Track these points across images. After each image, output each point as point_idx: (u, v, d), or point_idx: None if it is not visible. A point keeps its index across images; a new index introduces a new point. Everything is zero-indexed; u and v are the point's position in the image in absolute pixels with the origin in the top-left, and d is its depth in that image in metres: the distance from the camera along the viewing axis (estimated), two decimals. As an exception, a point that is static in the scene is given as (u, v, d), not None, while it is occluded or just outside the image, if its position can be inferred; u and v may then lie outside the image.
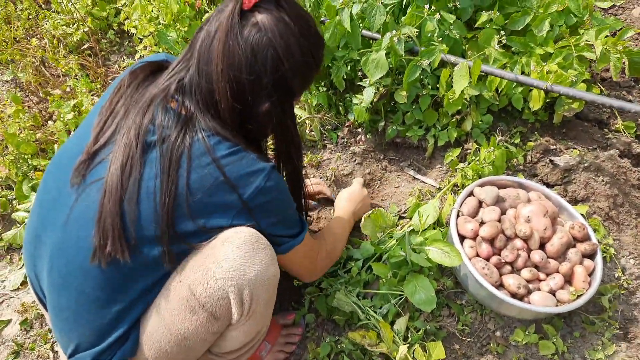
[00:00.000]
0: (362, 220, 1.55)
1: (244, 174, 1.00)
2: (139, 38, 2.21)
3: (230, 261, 0.98)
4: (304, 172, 1.30)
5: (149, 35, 2.14)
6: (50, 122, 1.96)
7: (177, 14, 2.02)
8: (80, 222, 0.99)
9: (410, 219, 1.63)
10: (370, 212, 1.57)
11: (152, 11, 2.13)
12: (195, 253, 1.02)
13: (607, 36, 1.67)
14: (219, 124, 1.02)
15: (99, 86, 2.06)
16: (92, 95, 1.96)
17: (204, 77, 1.01)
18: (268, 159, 1.08)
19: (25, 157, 1.83)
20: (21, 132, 1.86)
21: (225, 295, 0.99)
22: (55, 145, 1.85)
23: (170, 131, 0.98)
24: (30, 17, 2.28)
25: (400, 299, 1.44)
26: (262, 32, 0.98)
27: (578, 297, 1.34)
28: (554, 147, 1.74)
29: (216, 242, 1.00)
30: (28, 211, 1.76)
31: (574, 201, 1.66)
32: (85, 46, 2.22)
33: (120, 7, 2.29)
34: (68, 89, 2.01)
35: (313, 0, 1.64)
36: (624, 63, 1.65)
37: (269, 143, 1.25)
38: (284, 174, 1.24)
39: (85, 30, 2.20)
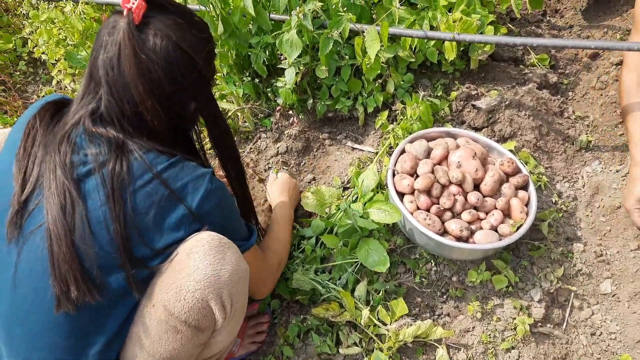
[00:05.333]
0: (301, 199, 1.58)
1: (187, 182, 1.01)
2: (52, 63, 2.15)
3: (201, 270, 0.97)
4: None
5: (60, 59, 2.09)
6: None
7: (84, 32, 1.97)
8: (32, 276, 0.95)
9: (354, 187, 1.67)
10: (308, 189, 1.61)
11: (59, 34, 2.07)
12: (161, 273, 1.01)
13: (504, -24, 1.73)
14: (152, 139, 1.03)
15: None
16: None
17: (126, 102, 1.00)
18: (206, 164, 1.09)
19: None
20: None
21: (206, 304, 0.99)
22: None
23: (106, 157, 0.97)
24: None
25: (357, 265, 1.48)
26: (165, 39, 0.99)
27: (518, 228, 1.41)
28: (475, 92, 1.81)
29: (181, 256, 1.00)
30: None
31: (503, 139, 1.73)
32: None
33: (26, 37, 2.22)
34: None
35: (216, -8, 1.63)
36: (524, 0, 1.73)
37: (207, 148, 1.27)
38: (227, 166, 1.26)
39: (-7, 65, 2.14)
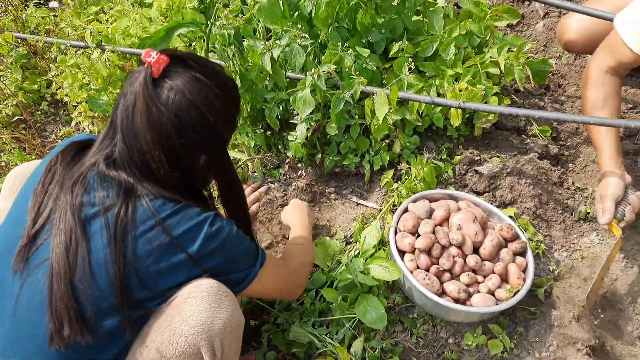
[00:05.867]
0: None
1: (188, 229, 1.05)
2: (73, 105, 2.25)
3: (196, 316, 1.00)
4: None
5: (82, 102, 2.18)
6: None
7: (107, 78, 2.08)
8: (30, 309, 0.98)
9: (357, 242, 1.70)
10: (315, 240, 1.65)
11: (83, 78, 2.18)
12: (158, 315, 1.03)
13: (510, 51, 1.83)
14: (160, 187, 1.07)
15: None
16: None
17: (135, 150, 1.05)
18: (210, 207, 1.14)
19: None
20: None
21: (197, 350, 1.00)
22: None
23: (113, 201, 1.02)
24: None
25: (355, 321, 1.49)
26: (179, 94, 1.04)
27: (515, 293, 1.44)
28: (478, 157, 1.87)
29: (179, 299, 1.03)
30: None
31: (503, 205, 1.78)
32: (16, 119, 2.24)
33: (51, 79, 2.33)
34: (2, 163, 2.02)
35: (235, 50, 1.73)
36: (527, 74, 1.82)
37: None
38: (232, 212, 1.30)
39: (15, 104, 2.23)
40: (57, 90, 2.27)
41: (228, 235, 1.12)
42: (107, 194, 1.02)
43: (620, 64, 1.67)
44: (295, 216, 1.71)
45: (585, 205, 1.85)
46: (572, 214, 1.84)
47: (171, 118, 1.03)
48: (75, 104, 2.20)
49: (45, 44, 2.39)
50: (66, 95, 2.19)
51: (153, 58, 1.02)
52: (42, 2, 2.85)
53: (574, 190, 1.91)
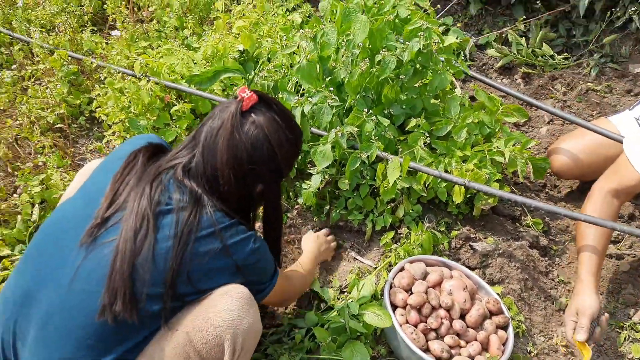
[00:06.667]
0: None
1: (238, 241, 1.20)
2: (108, 124, 2.41)
3: (230, 311, 1.12)
4: None
5: (118, 123, 2.35)
6: (15, 195, 2.07)
7: (147, 105, 2.26)
8: (89, 280, 1.08)
9: (350, 292, 1.80)
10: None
11: (125, 101, 2.36)
12: (193, 306, 1.15)
13: (514, 145, 2.03)
14: (222, 201, 1.23)
15: (69, 163, 2.22)
16: (60, 171, 2.11)
17: (210, 165, 1.23)
18: (252, 227, 1.32)
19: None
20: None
21: (222, 342, 1.10)
22: (36, 211, 1.96)
23: (185, 204, 1.16)
24: (8, 100, 2.46)
25: (339, 364, 1.57)
26: (259, 129, 1.24)
27: (493, 362, 1.53)
28: (474, 235, 2.01)
29: (215, 295, 1.16)
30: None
31: (491, 283, 1.90)
32: (54, 127, 2.40)
33: (93, 97, 2.52)
34: (40, 163, 2.15)
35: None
36: (528, 169, 2.01)
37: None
38: (267, 235, 1.47)
39: (57, 113, 2.40)
40: (96, 108, 2.44)
41: (265, 253, 1.29)
42: (181, 198, 1.17)
43: (622, 187, 1.81)
44: (309, 245, 1.87)
45: (567, 297, 1.97)
46: (553, 304, 1.95)
47: (247, 147, 1.22)
48: (111, 124, 2.37)
49: (95, 66, 2.59)
50: (105, 114, 2.36)
51: (247, 94, 1.24)
52: (101, 28, 3.11)
53: (558, 282, 2.04)
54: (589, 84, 2.88)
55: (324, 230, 2.02)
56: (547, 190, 2.44)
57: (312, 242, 1.89)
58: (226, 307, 1.12)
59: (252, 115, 1.24)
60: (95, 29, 3.06)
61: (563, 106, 2.82)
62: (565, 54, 2.99)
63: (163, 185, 1.19)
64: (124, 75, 2.41)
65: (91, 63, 2.48)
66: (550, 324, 1.89)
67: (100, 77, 2.49)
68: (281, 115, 1.29)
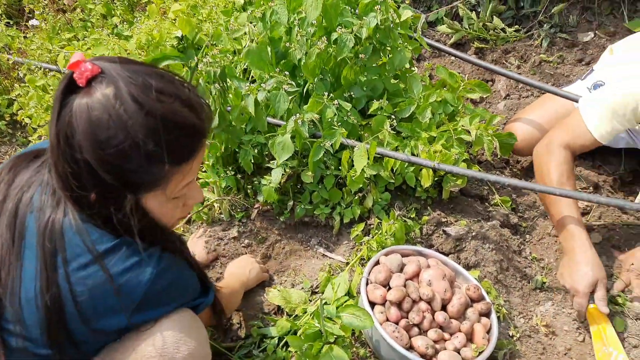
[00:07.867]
0: (266, 292, 1.57)
1: (128, 267, 0.95)
2: (32, 128, 2.15)
3: (161, 339, 0.96)
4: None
5: (44, 125, 2.10)
6: None
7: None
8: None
9: (323, 293, 1.67)
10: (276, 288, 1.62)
11: (49, 99, 2.11)
12: (126, 338, 0.98)
13: (480, 122, 1.94)
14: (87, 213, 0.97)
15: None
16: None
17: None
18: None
19: None
20: None
21: None
22: None
23: (47, 209, 0.96)
24: None
25: (317, 373, 1.43)
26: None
27: (480, 352, 1.44)
28: (445, 219, 1.92)
29: (151, 323, 0.99)
30: None
31: (467, 267, 1.81)
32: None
33: (13, 98, 2.24)
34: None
35: (218, 88, 1.73)
36: (495, 146, 1.93)
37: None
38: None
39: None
40: (17, 110, 2.18)
41: (177, 271, 1.05)
42: (46, 203, 0.97)
43: (576, 143, 1.81)
44: (232, 269, 1.70)
45: (542, 275, 1.92)
46: (529, 282, 1.90)
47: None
48: (36, 127, 2.11)
49: (12, 63, 2.31)
50: (29, 116, 2.10)
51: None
52: (18, 21, 2.79)
53: (531, 260, 1.98)
54: (541, 55, 2.85)
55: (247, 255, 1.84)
56: (510, 166, 2.39)
57: (235, 269, 1.69)
58: (160, 334, 0.96)
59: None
60: (11, 22, 2.74)
61: (518, 79, 2.77)
62: (516, 26, 2.95)
63: (33, 192, 0.99)
64: (47, 70, 2.15)
65: (8, 60, 2.20)
66: (529, 304, 1.83)
67: (19, 74, 2.22)
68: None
